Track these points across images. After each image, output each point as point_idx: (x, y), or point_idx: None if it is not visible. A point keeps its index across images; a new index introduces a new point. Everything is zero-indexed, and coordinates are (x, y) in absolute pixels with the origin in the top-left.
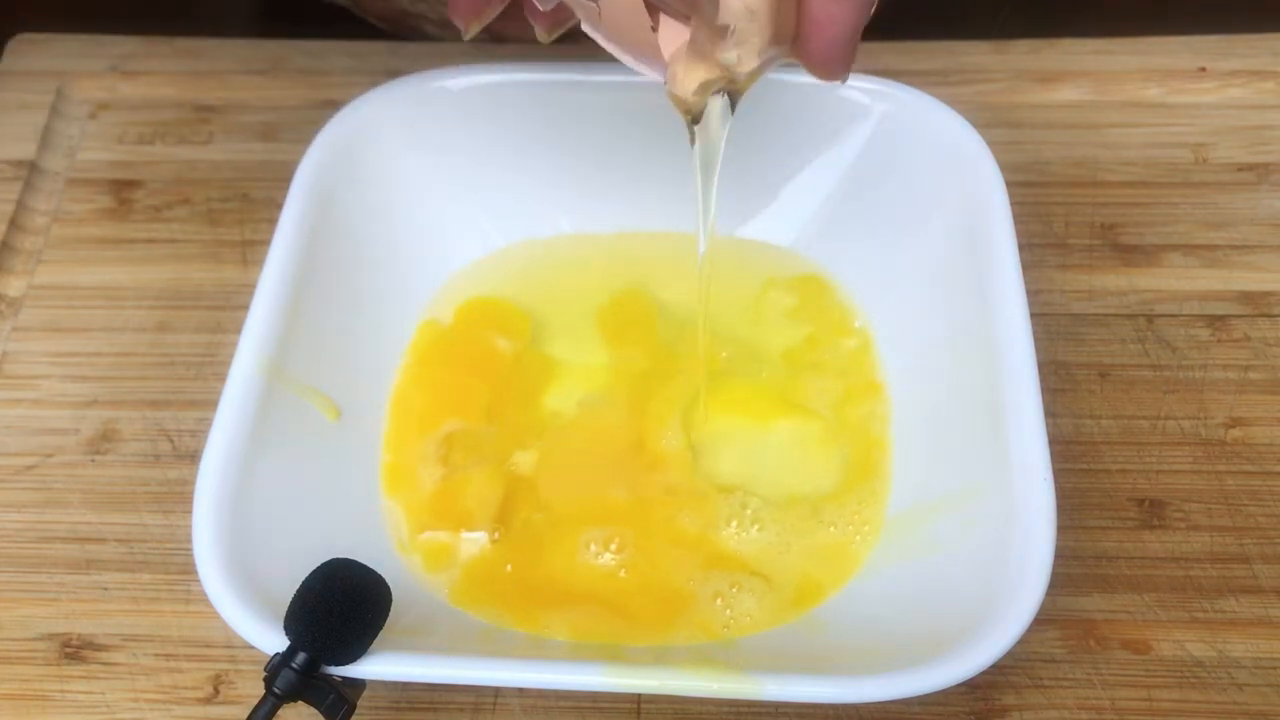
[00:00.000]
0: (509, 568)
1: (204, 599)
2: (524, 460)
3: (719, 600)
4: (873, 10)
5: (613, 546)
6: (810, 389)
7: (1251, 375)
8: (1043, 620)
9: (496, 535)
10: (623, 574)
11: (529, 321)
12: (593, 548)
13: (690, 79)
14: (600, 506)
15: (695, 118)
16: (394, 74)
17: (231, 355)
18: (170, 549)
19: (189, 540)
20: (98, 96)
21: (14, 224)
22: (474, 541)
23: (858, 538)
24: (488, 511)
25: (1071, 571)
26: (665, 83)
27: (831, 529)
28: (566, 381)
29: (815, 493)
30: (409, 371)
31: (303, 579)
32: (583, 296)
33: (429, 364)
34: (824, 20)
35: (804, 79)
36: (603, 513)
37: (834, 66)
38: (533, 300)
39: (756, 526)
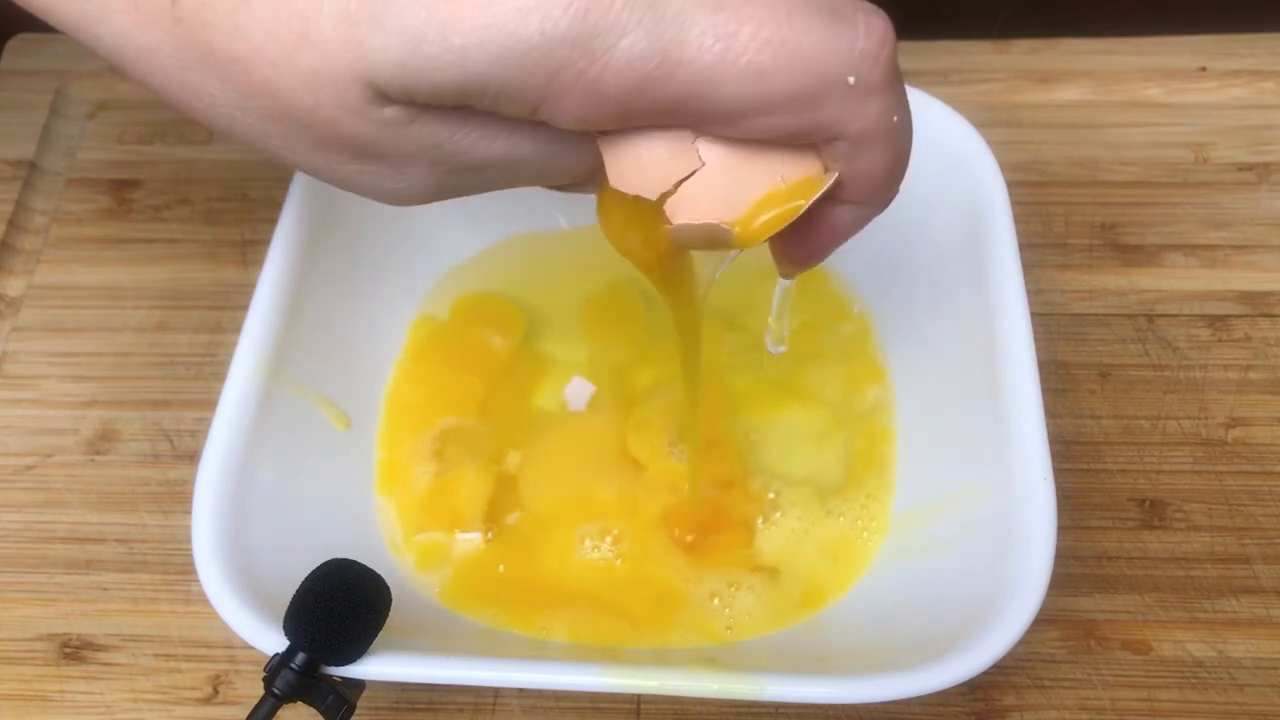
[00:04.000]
0: (502, 568)
1: (203, 599)
2: (517, 459)
3: (716, 600)
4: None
5: (608, 539)
6: (814, 377)
7: (1252, 375)
8: (1043, 620)
9: (490, 535)
10: (619, 563)
11: (523, 318)
12: (588, 542)
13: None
14: (595, 506)
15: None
16: None
17: (231, 355)
18: (170, 549)
19: (188, 540)
20: (97, 96)
21: (13, 224)
22: (468, 542)
23: (864, 534)
24: (479, 510)
25: (1072, 571)
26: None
27: (841, 519)
28: (560, 379)
29: (824, 486)
30: (405, 368)
31: (302, 579)
32: (578, 292)
33: (425, 360)
34: (836, 227)
35: None
36: (598, 512)
37: (808, 266)
38: (528, 296)
39: (780, 512)
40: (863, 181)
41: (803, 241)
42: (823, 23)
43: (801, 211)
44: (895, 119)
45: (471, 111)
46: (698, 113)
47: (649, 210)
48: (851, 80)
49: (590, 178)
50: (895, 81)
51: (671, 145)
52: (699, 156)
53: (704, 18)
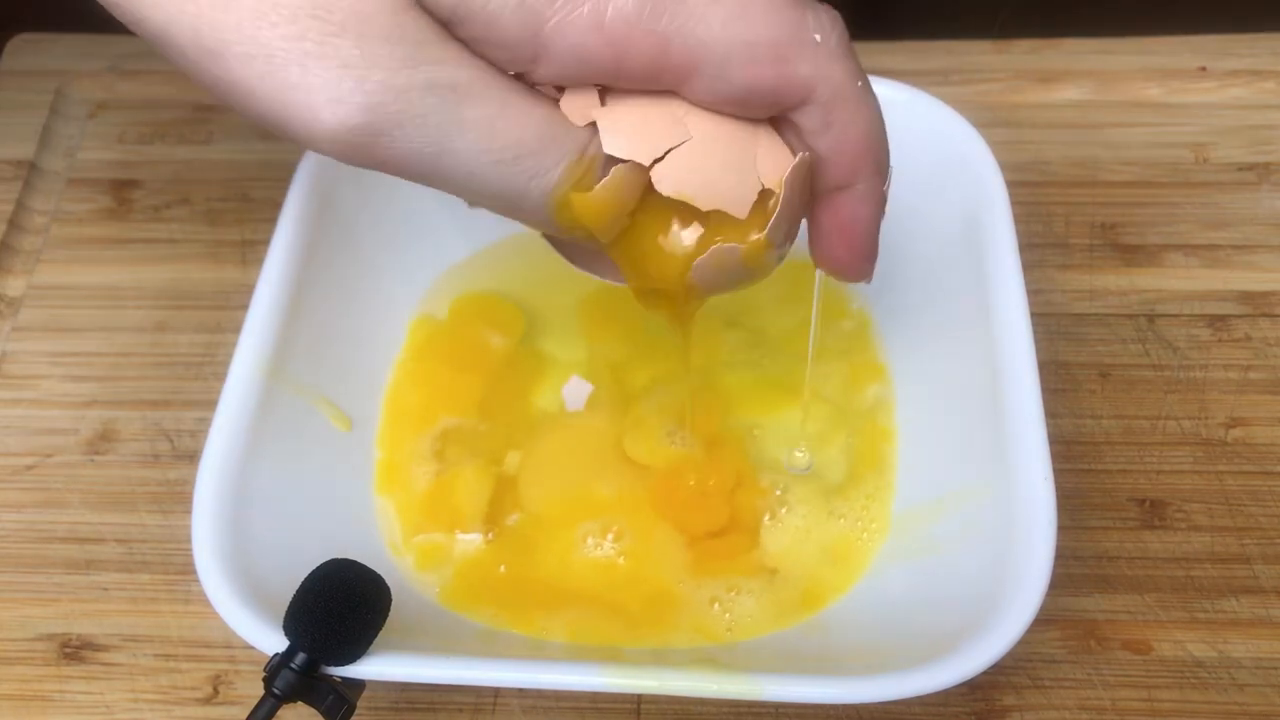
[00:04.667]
0: (503, 568)
1: (203, 599)
2: (516, 459)
3: (716, 605)
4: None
5: (610, 536)
6: (814, 374)
7: (1252, 375)
8: (1043, 620)
9: (490, 536)
10: (621, 560)
11: (522, 317)
12: (590, 540)
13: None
14: (595, 506)
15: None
16: None
17: (231, 355)
18: (169, 549)
19: (188, 540)
20: (97, 96)
21: (13, 224)
22: (468, 542)
23: (865, 534)
24: (479, 511)
25: (1072, 572)
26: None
27: (842, 520)
28: (559, 378)
29: (827, 484)
30: (404, 368)
31: (302, 579)
32: (576, 292)
33: (424, 360)
34: (846, 217)
35: None
36: (598, 511)
37: (864, 268)
38: (527, 295)
39: (786, 509)
40: (843, 154)
41: (830, 244)
42: None
43: (780, 196)
44: (860, 84)
45: (459, 40)
46: (687, 58)
47: (670, 268)
48: (818, 38)
49: (533, 179)
50: (852, 52)
51: (662, 114)
52: (688, 129)
53: None
